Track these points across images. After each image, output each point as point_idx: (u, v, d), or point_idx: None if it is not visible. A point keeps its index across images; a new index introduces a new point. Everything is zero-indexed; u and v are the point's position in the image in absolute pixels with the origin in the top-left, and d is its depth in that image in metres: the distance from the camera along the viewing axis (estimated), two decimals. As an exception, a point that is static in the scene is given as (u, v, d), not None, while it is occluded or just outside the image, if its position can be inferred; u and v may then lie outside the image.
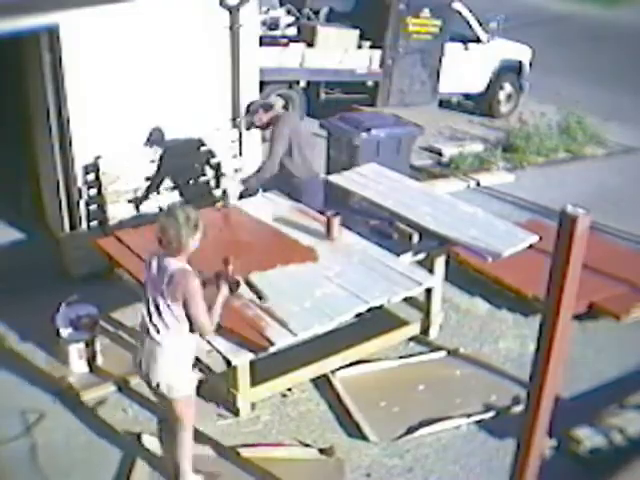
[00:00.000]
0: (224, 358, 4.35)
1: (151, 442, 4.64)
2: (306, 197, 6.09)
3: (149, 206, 6.47)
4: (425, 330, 5.81)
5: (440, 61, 10.62)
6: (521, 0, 18.00)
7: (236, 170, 6.74)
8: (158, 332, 3.85)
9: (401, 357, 5.58)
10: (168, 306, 3.80)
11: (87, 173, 6.22)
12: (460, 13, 10.93)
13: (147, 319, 3.89)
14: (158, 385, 3.93)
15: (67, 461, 4.56)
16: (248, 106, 6.13)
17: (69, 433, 4.78)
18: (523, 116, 10.71)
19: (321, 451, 4.68)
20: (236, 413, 4.94)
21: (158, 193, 6.52)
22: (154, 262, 3.89)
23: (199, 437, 4.77)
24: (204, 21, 6.50)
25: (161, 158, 6.48)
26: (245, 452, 4.63)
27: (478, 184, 8.88)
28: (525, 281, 6.12)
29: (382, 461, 4.65)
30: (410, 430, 4.90)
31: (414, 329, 5.77)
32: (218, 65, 6.71)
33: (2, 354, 5.44)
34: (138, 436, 4.70)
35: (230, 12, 6.59)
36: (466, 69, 11.05)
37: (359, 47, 10.02)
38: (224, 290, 4.00)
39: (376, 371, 5.42)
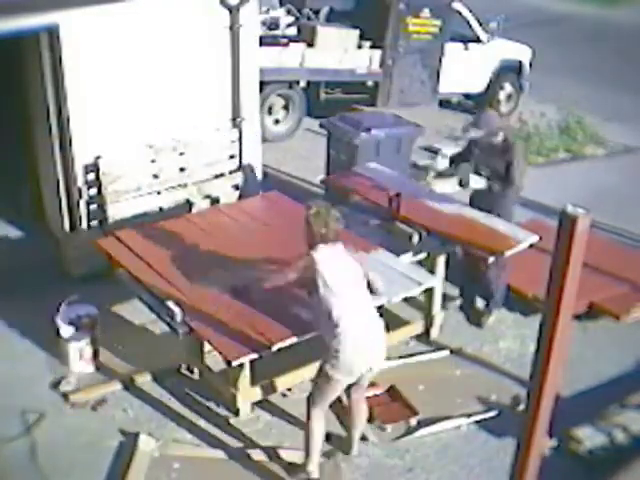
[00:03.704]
0: (224, 358, 4.35)
1: (148, 442, 4.64)
2: (502, 211, 5.87)
3: (149, 206, 6.47)
4: (426, 330, 5.82)
5: (440, 61, 10.62)
6: (521, 0, 18.00)
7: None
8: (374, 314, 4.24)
9: (401, 357, 5.58)
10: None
11: (87, 173, 6.22)
12: (460, 13, 10.93)
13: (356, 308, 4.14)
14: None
15: (67, 461, 4.56)
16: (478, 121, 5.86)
17: (69, 433, 4.78)
18: (523, 116, 10.71)
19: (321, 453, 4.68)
20: (236, 413, 4.94)
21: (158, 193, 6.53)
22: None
23: (199, 438, 4.79)
24: (204, 21, 6.49)
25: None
26: (245, 454, 4.63)
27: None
28: (525, 281, 6.11)
29: (382, 461, 4.66)
30: (410, 430, 4.90)
31: (417, 328, 5.77)
32: (218, 65, 6.71)
33: (2, 354, 5.44)
34: (136, 436, 4.70)
35: (230, 12, 6.59)
36: (466, 69, 11.04)
37: (359, 47, 10.02)
38: None
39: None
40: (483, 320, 6.09)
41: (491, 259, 5.59)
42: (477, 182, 5.77)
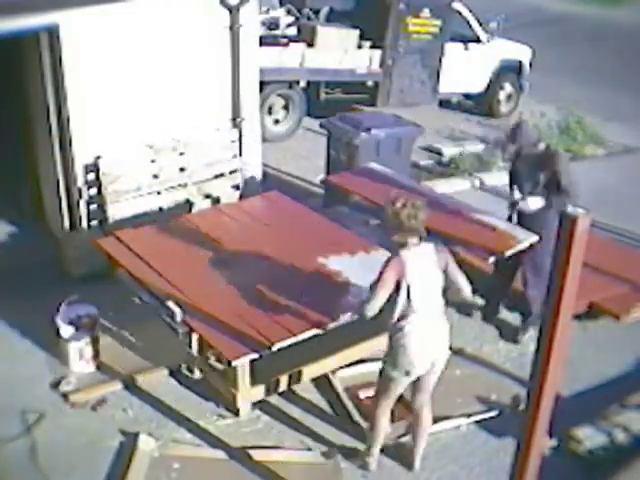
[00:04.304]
0: (224, 358, 4.35)
1: (148, 442, 4.64)
2: (546, 230, 5.34)
3: (149, 206, 6.47)
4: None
5: (440, 61, 10.62)
6: (521, 0, 17.99)
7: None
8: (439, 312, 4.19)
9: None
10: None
11: (87, 173, 6.22)
12: (460, 13, 10.94)
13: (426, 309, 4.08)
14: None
15: (67, 461, 4.56)
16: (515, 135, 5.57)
17: (69, 433, 4.78)
18: (523, 116, 10.68)
19: (321, 454, 4.68)
20: (236, 413, 4.94)
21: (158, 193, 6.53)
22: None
23: (198, 437, 4.79)
24: (204, 21, 6.49)
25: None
26: (245, 454, 4.64)
27: (482, 184, 8.89)
28: (525, 281, 6.10)
29: (382, 461, 4.65)
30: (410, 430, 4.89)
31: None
32: (218, 65, 6.71)
33: (2, 354, 5.44)
34: (136, 436, 4.70)
35: (230, 12, 6.59)
36: (466, 69, 11.05)
37: (359, 47, 10.02)
38: None
39: (376, 371, 5.40)
40: (519, 337, 5.92)
41: (491, 259, 5.58)
42: (536, 203, 5.54)
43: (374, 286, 4.04)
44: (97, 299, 5.56)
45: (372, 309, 4.03)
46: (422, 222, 4.05)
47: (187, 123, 6.58)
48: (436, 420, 4.95)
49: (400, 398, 4.80)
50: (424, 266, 4.08)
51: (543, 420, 3.04)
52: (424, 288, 4.05)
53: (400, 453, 4.67)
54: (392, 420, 4.60)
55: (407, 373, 4.17)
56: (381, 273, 4.00)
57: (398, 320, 4.07)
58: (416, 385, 4.33)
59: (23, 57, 6.31)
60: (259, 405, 5.01)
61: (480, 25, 11.19)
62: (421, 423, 4.48)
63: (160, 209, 6.53)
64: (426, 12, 10.23)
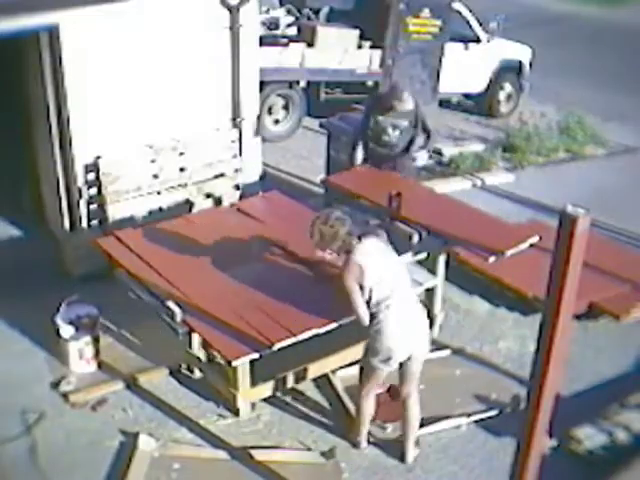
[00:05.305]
0: (224, 358, 4.35)
1: (148, 442, 4.64)
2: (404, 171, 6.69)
3: (149, 206, 6.47)
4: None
5: (440, 61, 10.60)
6: (521, 0, 17.99)
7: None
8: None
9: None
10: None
11: (87, 173, 6.22)
12: (460, 13, 10.93)
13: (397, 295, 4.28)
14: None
15: (67, 461, 4.56)
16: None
17: (69, 433, 4.78)
18: (523, 116, 10.70)
19: (321, 454, 4.68)
20: (236, 413, 4.94)
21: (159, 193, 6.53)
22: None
23: (199, 437, 4.79)
24: (204, 21, 6.49)
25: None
26: (246, 454, 4.64)
27: (483, 184, 8.89)
28: (525, 281, 6.10)
29: (382, 461, 4.66)
30: (410, 430, 4.89)
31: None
32: (218, 65, 6.71)
33: (2, 354, 5.44)
34: (136, 436, 4.70)
35: (230, 12, 6.59)
36: (466, 69, 11.04)
37: (359, 47, 10.02)
38: None
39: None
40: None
41: (491, 259, 5.59)
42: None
43: (349, 299, 4.28)
44: (97, 299, 5.57)
45: (363, 315, 4.29)
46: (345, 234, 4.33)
47: (187, 123, 6.58)
48: (436, 420, 4.96)
49: (400, 397, 4.82)
50: (378, 258, 4.30)
51: (543, 420, 3.04)
52: (386, 279, 4.25)
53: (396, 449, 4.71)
54: (378, 404, 4.70)
55: (387, 360, 4.30)
56: (346, 286, 4.24)
57: (372, 312, 4.27)
58: (401, 376, 4.47)
59: (23, 57, 6.31)
60: (259, 405, 5.02)
61: (480, 25, 11.18)
62: (408, 413, 4.56)
63: (160, 209, 6.53)
64: (426, 12, 10.21)
